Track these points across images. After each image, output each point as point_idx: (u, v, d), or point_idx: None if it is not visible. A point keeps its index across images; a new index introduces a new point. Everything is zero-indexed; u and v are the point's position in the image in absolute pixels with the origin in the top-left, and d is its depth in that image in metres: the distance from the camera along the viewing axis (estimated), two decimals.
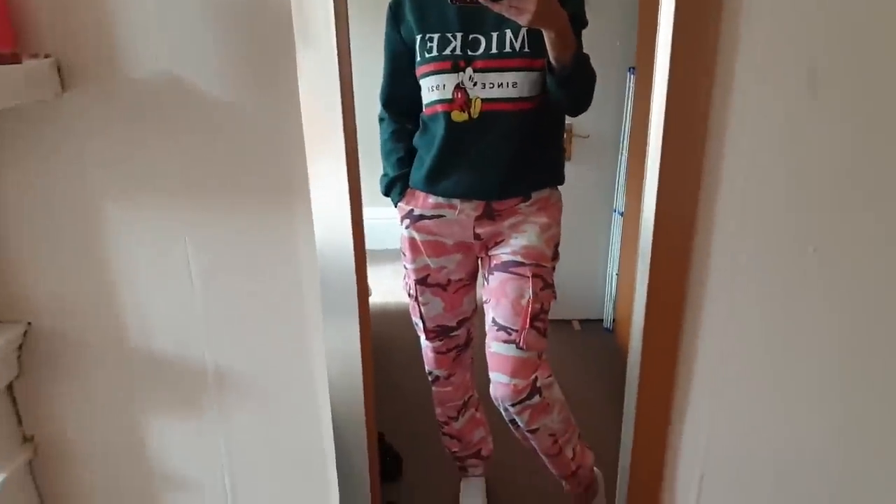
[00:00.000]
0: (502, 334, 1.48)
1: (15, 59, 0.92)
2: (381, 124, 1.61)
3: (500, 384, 1.48)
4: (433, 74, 1.39)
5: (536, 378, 1.48)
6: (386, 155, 1.59)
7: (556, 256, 1.52)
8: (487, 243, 1.53)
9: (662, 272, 1.08)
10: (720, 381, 1.12)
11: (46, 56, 0.95)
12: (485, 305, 1.56)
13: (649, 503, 1.19)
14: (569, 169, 2.76)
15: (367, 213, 2.51)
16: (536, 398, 1.49)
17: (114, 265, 1.06)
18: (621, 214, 2.75)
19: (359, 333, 1.08)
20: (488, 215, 1.48)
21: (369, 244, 2.57)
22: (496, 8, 1.14)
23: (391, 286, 2.97)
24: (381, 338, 2.90)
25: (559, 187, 1.56)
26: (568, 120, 2.52)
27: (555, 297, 1.53)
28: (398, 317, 1.73)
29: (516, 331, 1.46)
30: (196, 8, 0.93)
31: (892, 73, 0.95)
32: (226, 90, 0.97)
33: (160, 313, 1.09)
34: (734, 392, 1.12)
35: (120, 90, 0.97)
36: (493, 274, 1.51)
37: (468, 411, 1.82)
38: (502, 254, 1.50)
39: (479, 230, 1.49)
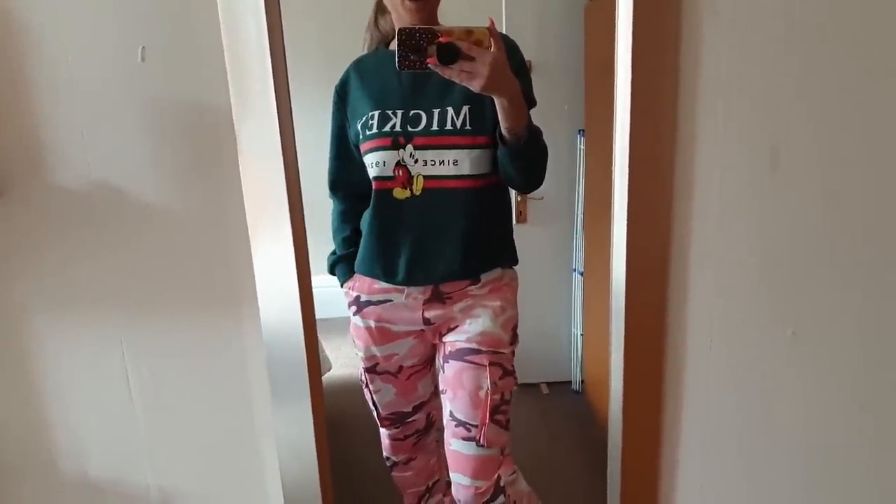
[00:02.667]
0: (461, 430, 1.39)
1: None
2: (332, 200, 1.59)
3: (461, 486, 1.39)
4: (374, 151, 1.35)
5: (499, 477, 1.39)
6: (333, 234, 1.57)
7: (514, 340, 1.46)
8: (440, 328, 1.47)
9: (638, 336, 1.04)
10: (706, 453, 1.08)
11: None
12: (441, 396, 1.48)
13: None
14: (525, 231, 2.81)
15: (321, 280, 2.43)
16: (501, 498, 1.40)
17: (44, 383, 0.97)
18: (581, 274, 2.75)
19: (311, 415, 1.01)
20: (437, 298, 1.41)
21: (324, 313, 2.50)
22: (447, 73, 1.10)
23: (351, 355, 2.89)
24: (345, 412, 2.79)
25: (514, 267, 1.52)
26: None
27: (516, 384, 1.46)
28: (361, 389, 1.67)
29: (476, 426, 1.37)
30: (130, 113, 0.89)
31: (850, 148, 0.96)
32: (161, 196, 0.92)
33: (97, 434, 1.00)
34: (720, 466, 1.08)
35: (50, 199, 0.91)
36: (448, 362, 1.43)
37: (434, 497, 1.73)
38: (457, 341, 1.42)
39: (428, 314, 1.43)
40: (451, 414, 1.41)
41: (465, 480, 1.38)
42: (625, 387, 1.05)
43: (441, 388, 1.48)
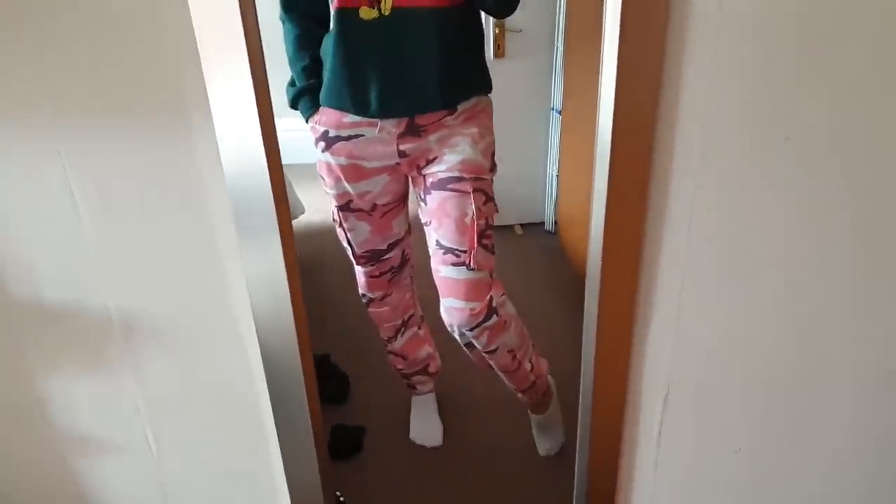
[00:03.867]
0: (450, 257, 1.38)
1: None
2: (283, 27, 1.41)
3: (454, 309, 1.40)
4: None
5: (491, 298, 1.41)
6: (291, 62, 1.40)
7: (493, 167, 1.41)
8: (417, 161, 1.38)
9: (622, 175, 0.97)
10: (685, 287, 1.05)
11: None
12: (425, 228, 1.45)
13: (613, 421, 1.15)
14: (502, 66, 2.65)
15: (289, 123, 2.28)
16: (494, 318, 1.42)
17: None
18: (559, 112, 2.64)
19: (283, 256, 0.95)
20: (412, 131, 1.32)
21: (294, 158, 2.38)
22: None
23: (325, 200, 2.82)
24: (321, 255, 2.78)
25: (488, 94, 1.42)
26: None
27: (496, 210, 1.44)
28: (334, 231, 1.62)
29: (464, 251, 1.36)
30: None
31: None
32: None
33: (45, 258, 0.92)
34: (700, 298, 1.06)
35: None
36: (430, 194, 1.39)
37: (409, 330, 1.75)
38: (438, 171, 1.36)
39: (402, 147, 1.34)
40: (438, 242, 1.40)
41: (459, 303, 1.39)
42: (606, 220, 0.99)
43: (424, 220, 1.44)
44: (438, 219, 1.38)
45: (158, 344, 1.00)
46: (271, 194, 0.91)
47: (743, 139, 0.94)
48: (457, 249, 1.37)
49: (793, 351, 1.10)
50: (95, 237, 0.92)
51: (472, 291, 1.38)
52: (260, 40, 0.86)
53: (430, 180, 1.38)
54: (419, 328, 1.81)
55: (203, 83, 0.83)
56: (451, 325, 1.43)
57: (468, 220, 1.35)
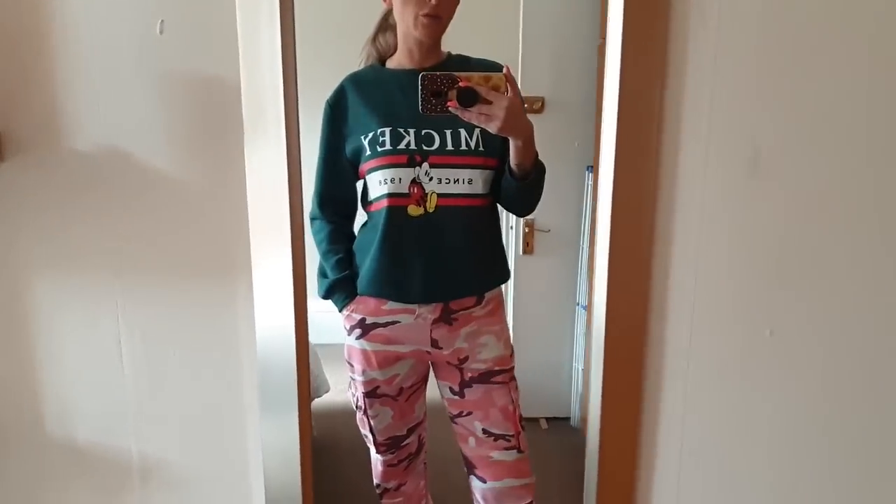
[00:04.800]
0: (502, 443, 1.48)
1: None
2: (313, 224, 1.54)
3: (513, 489, 1.50)
4: (387, 168, 1.36)
5: None
6: (323, 255, 1.51)
7: (513, 353, 1.52)
8: (448, 357, 1.48)
9: (617, 365, 1.05)
10: (684, 473, 1.06)
11: None
12: (458, 419, 1.52)
13: None
14: (530, 262, 2.82)
15: (320, 304, 2.42)
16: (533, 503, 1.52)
17: (38, 343, 0.99)
18: (584, 308, 2.75)
19: (298, 432, 1.01)
20: (445, 318, 1.43)
21: (323, 338, 2.48)
22: (466, 116, 1.17)
23: (345, 381, 2.86)
24: (341, 435, 2.76)
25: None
26: (530, 215, 2.58)
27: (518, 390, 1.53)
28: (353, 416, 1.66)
29: (513, 436, 1.48)
30: (145, 82, 0.93)
31: (831, 150, 0.98)
32: (170, 166, 0.96)
33: (85, 397, 1.01)
34: (700, 484, 1.07)
35: (60, 161, 0.95)
36: (471, 387, 1.48)
37: None
38: (477, 367, 1.47)
39: (435, 335, 1.44)
40: (486, 431, 1.49)
41: (520, 481, 1.51)
42: (603, 404, 1.07)
43: (458, 411, 1.51)
44: (484, 409, 1.47)
45: (171, 493, 1.04)
46: (296, 373, 0.99)
47: (730, 332, 1.01)
48: (507, 435, 1.47)
49: None
50: (132, 383, 1.01)
51: (525, 469, 1.52)
52: (303, 232, 1.01)
53: (468, 374, 1.47)
54: None
55: (250, 261, 0.97)
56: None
57: (511, 407, 1.48)
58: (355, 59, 1.49)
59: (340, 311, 1.49)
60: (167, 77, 0.93)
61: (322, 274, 1.51)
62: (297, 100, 0.98)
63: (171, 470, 1.03)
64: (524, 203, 1.45)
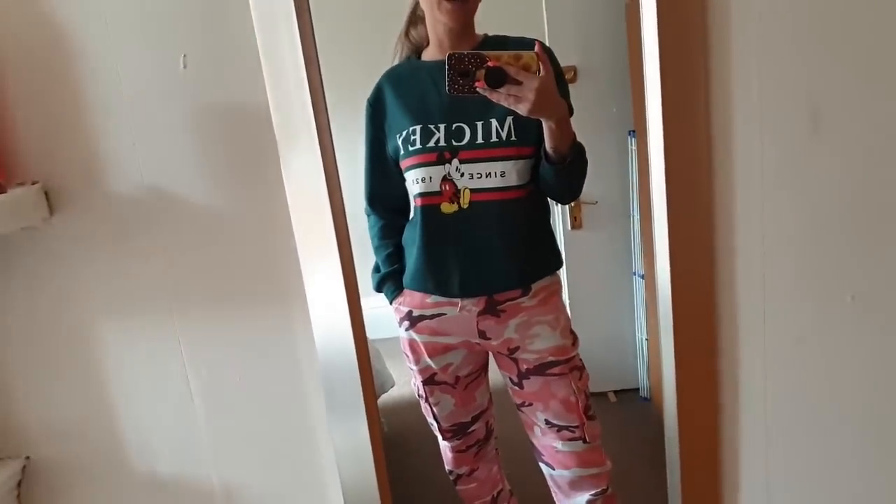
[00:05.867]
0: (566, 433, 1.46)
1: (0, 189, 0.92)
2: (368, 219, 1.57)
3: (584, 478, 1.48)
4: (418, 167, 1.35)
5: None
6: (376, 250, 1.54)
7: (575, 341, 1.47)
8: (499, 348, 1.46)
9: (688, 337, 1.00)
10: (769, 444, 1.02)
11: (34, 183, 0.95)
12: (523, 408, 1.50)
13: None
14: (581, 237, 2.76)
15: (375, 301, 2.44)
16: (609, 489, 1.49)
17: (110, 387, 1.02)
18: (642, 277, 2.68)
19: (368, 432, 1.02)
20: (491, 310, 1.41)
21: (382, 333, 2.51)
22: (495, 97, 1.12)
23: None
24: (410, 429, 2.79)
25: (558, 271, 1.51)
26: None
27: (588, 376, 1.49)
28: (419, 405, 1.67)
29: (577, 426, 1.44)
30: (176, 120, 0.93)
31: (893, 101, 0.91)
32: (211, 199, 0.96)
33: (161, 433, 1.04)
34: (785, 454, 1.03)
35: (106, 208, 0.96)
36: (528, 378, 1.46)
37: None
38: (530, 358, 1.44)
39: (482, 326, 1.42)
40: (548, 422, 1.47)
41: (590, 470, 1.48)
42: (677, 380, 1.02)
43: (521, 401, 1.50)
44: (544, 401, 1.45)
45: None
46: (358, 373, 0.99)
47: (805, 300, 0.96)
48: (571, 426, 1.44)
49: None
50: (204, 415, 1.03)
51: (595, 458, 1.48)
52: (349, 239, 1.00)
53: (524, 366, 1.44)
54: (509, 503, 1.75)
55: (301, 276, 0.96)
56: (575, 493, 1.49)
57: (573, 398, 1.43)
58: (385, 53, 1.47)
59: (391, 303, 1.50)
60: (196, 110, 0.94)
61: (375, 268, 1.53)
62: (326, 112, 0.97)
63: (251, 490, 1.06)
64: (565, 189, 1.39)
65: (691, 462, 1.05)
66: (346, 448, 1.02)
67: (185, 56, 0.91)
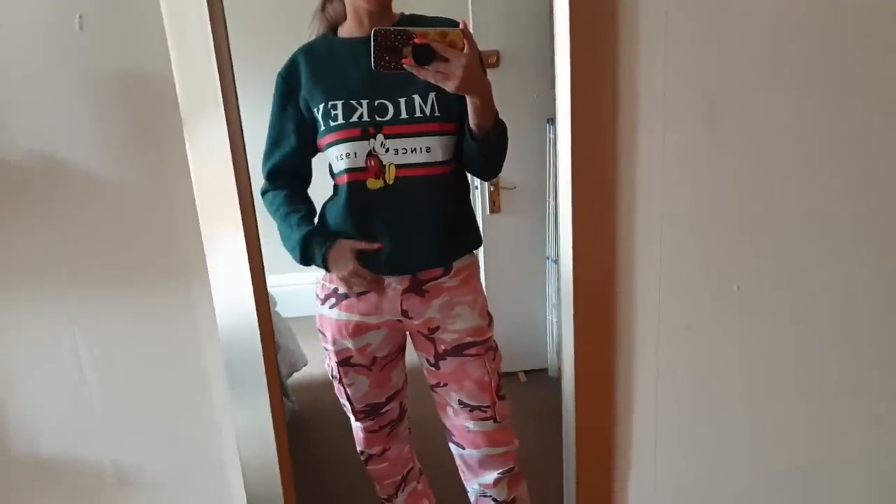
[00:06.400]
0: (477, 413, 1.49)
1: None
2: (265, 198, 1.49)
3: (492, 457, 1.51)
4: (342, 143, 1.33)
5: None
6: (284, 218, 1.45)
7: (490, 322, 1.50)
8: (419, 327, 1.47)
9: (588, 319, 1.05)
10: (659, 421, 1.09)
11: None
12: (437, 389, 1.52)
13: None
14: (499, 220, 2.81)
15: (292, 278, 2.39)
16: (515, 468, 1.53)
17: None
18: (555, 261, 2.76)
19: (270, 412, 1.00)
20: (415, 289, 1.42)
21: (295, 311, 2.46)
22: (422, 74, 1.12)
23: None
24: (322, 407, 2.78)
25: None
26: None
27: (501, 356, 1.52)
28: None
29: (489, 406, 1.47)
30: (71, 84, 0.88)
31: (787, 98, 0.97)
32: (108, 169, 0.92)
33: (49, 413, 0.99)
34: (675, 432, 1.10)
35: None
36: (444, 359, 1.48)
37: (409, 486, 1.74)
38: (449, 338, 1.46)
39: (405, 305, 1.43)
40: (461, 402, 1.49)
41: (498, 450, 1.52)
42: (576, 359, 1.07)
43: (435, 381, 1.52)
44: (459, 381, 1.47)
45: (150, 495, 1.03)
46: (261, 350, 0.98)
47: (697, 288, 1.02)
48: (483, 406, 1.48)
49: (763, 489, 1.11)
50: (98, 395, 0.98)
51: (504, 437, 1.52)
52: (254, 214, 0.98)
53: (442, 347, 1.46)
54: (418, 482, 1.78)
55: (203, 256, 0.94)
56: (479, 473, 1.54)
57: (486, 378, 1.47)
58: (299, 29, 1.44)
59: (323, 260, 1.39)
60: (93, 75, 0.88)
61: (287, 239, 1.44)
62: (234, 83, 0.94)
63: (147, 472, 1.02)
64: (488, 165, 1.41)
65: (587, 438, 1.11)
66: (248, 428, 1.00)
67: (80, 16, 0.85)
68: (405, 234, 1.38)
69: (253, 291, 0.95)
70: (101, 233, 0.93)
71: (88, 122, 0.89)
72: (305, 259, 1.40)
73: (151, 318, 0.97)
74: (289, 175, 1.47)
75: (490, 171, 1.46)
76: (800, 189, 1.00)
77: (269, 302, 1.00)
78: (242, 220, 0.94)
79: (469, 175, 1.47)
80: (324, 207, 1.47)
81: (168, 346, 0.98)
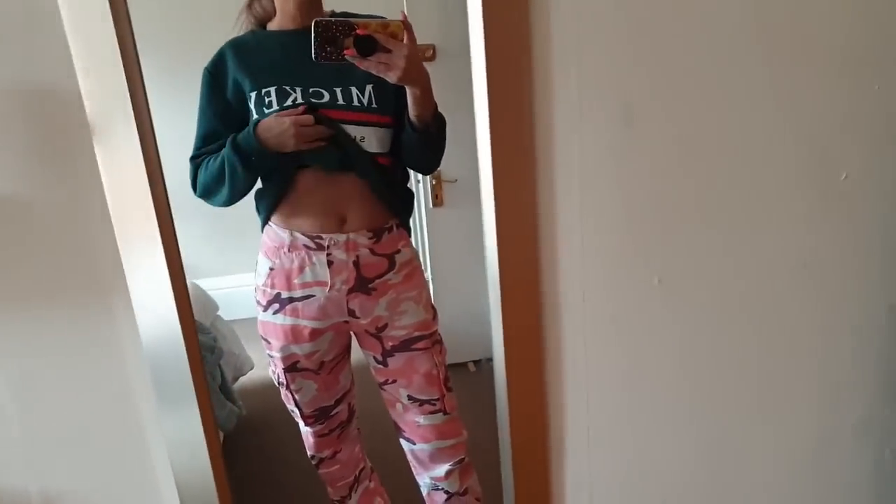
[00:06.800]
0: (427, 407, 1.50)
1: None
2: (197, 173, 1.38)
3: (442, 450, 1.52)
4: None
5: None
6: (216, 159, 1.34)
7: (435, 315, 1.52)
8: (366, 326, 1.47)
9: (515, 314, 1.08)
10: (589, 409, 1.12)
11: None
12: (385, 387, 1.52)
13: None
14: (441, 214, 2.82)
15: (238, 280, 2.35)
16: (465, 459, 1.55)
17: None
18: None
19: (201, 424, 1.00)
20: (361, 288, 1.42)
21: (239, 314, 2.43)
22: (364, 65, 1.12)
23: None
24: (271, 411, 2.75)
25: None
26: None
27: (446, 350, 1.54)
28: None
29: (438, 399, 1.49)
30: None
31: (699, 100, 1.01)
32: (18, 186, 0.89)
33: None
34: (604, 417, 1.13)
35: None
36: (392, 356, 1.48)
37: (361, 485, 1.74)
38: (396, 335, 1.46)
39: (352, 305, 1.42)
40: (411, 397, 1.50)
41: (447, 442, 1.53)
42: (506, 357, 1.10)
43: (383, 379, 1.52)
44: (407, 376, 1.48)
45: None
46: (188, 362, 0.97)
47: (619, 282, 1.05)
48: (432, 399, 1.49)
49: (699, 474, 1.17)
50: (17, 420, 0.95)
51: (454, 429, 1.54)
52: (171, 221, 0.96)
53: (389, 343, 1.47)
54: (370, 481, 1.79)
55: (122, 269, 0.92)
56: (429, 467, 1.55)
57: (434, 371, 1.48)
58: (215, 30, 1.40)
59: (256, 135, 1.28)
60: None
61: (220, 165, 1.33)
62: (144, 89, 0.92)
63: (76, 496, 1.00)
64: (427, 158, 1.41)
65: (521, 428, 1.14)
66: (179, 442, 0.99)
67: None
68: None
69: (174, 301, 0.94)
70: (12, 252, 0.90)
71: None
72: (243, 156, 1.30)
73: (71, 336, 0.95)
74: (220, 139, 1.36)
75: (429, 165, 1.46)
76: (712, 186, 1.04)
77: (191, 312, 0.98)
78: (160, 229, 0.92)
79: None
80: (257, 193, 1.43)
81: (90, 365, 0.96)
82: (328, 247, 1.37)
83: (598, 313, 1.08)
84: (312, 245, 1.37)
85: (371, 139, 1.33)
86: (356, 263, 1.39)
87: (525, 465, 1.16)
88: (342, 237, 1.37)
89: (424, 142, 1.32)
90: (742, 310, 1.09)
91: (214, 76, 1.36)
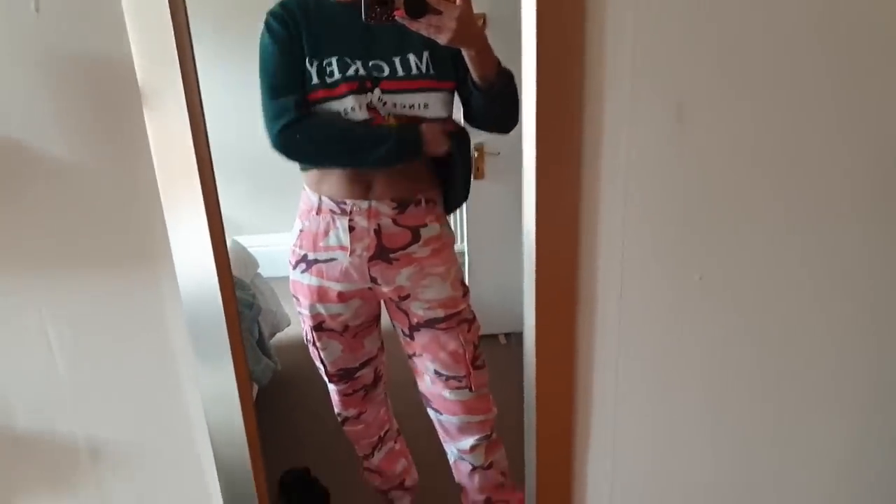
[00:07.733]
0: (453, 382, 1.52)
1: None
2: (292, 134, 1.31)
3: (470, 425, 1.55)
4: (338, 98, 1.30)
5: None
6: (348, 131, 1.32)
7: (466, 292, 1.52)
8: (390, 294, 1.49)
9: (550, 291, 1.07)
10: (620, 398, 1.12)
11: None
12: (414, 358, 1.54)
13: None
14: (482, 186, 2.81)
15: (276, 238, 2.41)
16: (493, 435, 1.58)
17: None
18: None
19: (235, 379, 1.03)
20: (382, 256, 1.43)
21: (278, 272, 2.49)
22: (414, 26, 1.11)
23: None
24: (305, 367, 2.83)
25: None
26: (480, 138, 2.53)
27: (479, 326, 1.55)
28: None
29: (464, 377, 1.50)
30: (29, 69, 0.87)
31: (753, 99, 0.97)
32: (70, 153, 0.92)
33: (21, 391, 1.02)
34: (634, 413, 1.13)
35: None
36: (418, 331, 1.51)
37: (385, 445, 1.79)
38: (420, 311, 1.47)
39: (373, 272, 1.45)
40: (437, 372, 1.53)
41: (476, 418, 1.56)
42: (537, 342, 1.09)
43: (412, 352, 1.56)
44: (433, 352, 1.50)
45: (123, 469, 1.08)
46: (224, 319, 0.99)
47: (659, 276, 1.04)
48: (458, 376, 1.51)
49: (722, 476, 1.16)
50: (67, 372, 1.01)
51: (481, 405, 1.56)
52: (213, 177, 0.97)
53: (414, 319, 1.49)
54: (395, 442, 1.84)
55: (166, 233, 0.95)
56: (457, 439, 1.58)
57: (460, 350, 1.49)
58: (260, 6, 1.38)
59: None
60: (52, 58, 0.87)
61: (370, 145, 1.31)
62: (193, 54, 0.93)
63: (117, 445, 1.06)
64: (499, 116, 1.38)
65: (547, 405, 1.14)
66: (213, 395, 1.03)
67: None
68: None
69: (214, 261, 0.96)
70: (64, 215, 0.94)
71: (47, 106, 0.89)
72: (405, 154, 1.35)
73: (116, 296, 0.99)
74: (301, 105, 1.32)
75: (505, 122, 1.39)
76: (763, 186, 1.01)
77: (230, 271, 1.01)
78: (203, 192, 0.94)
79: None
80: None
81: (132, 320, 1.00)
82: (350, 212, 1.38)
83: (635, 303, 1.06)
84: (337, 210, 1.39)
85: (435, 104, 1.33)
86: (377, 232, 1.40)
87: (548, 447, 1.17)
88: (364, 204, 1.38)
89: (492, 100, 1.30)
90: (786, 312, 1.07)
91: (286, 25, 1.30)
